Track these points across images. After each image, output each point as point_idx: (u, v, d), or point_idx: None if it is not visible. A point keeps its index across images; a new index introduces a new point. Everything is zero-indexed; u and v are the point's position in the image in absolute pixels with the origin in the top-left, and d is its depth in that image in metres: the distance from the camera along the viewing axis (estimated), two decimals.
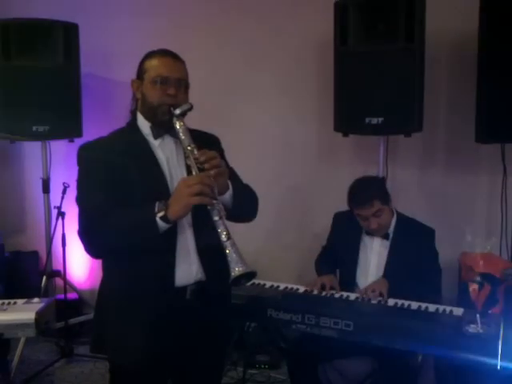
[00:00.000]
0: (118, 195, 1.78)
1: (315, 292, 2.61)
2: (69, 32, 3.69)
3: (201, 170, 1.74)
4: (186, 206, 1.70)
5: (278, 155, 3.84)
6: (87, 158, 1.87)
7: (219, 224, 1.68)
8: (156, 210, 1.69)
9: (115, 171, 1.80)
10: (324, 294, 2.59)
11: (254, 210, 2.03)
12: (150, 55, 1.92)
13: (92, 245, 1.81)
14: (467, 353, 2.11)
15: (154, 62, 1.88)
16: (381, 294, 2.48)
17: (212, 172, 1.73)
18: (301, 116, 3.78)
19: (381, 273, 2.70)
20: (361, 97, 3.08)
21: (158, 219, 1.69)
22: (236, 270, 1.62)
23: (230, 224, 1.90)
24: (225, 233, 1.67)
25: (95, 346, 1.99)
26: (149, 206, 1.71)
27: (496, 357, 2.06)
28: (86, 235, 1.80)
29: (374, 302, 2.49)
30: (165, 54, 1.90)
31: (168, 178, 1.86)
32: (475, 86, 2.98)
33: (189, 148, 1.78)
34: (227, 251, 1.65)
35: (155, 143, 1.89)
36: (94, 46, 3.88)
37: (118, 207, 1.76)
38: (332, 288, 2.62)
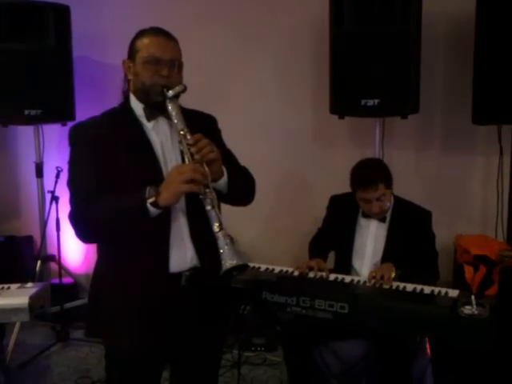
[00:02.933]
0: (111, 178, 1.75)
1: (311, 275, 2.60)
2: (60, 14, 3.63)
3: (193, 155, 1.70)
4: (176, 193, 1.67)
5: (274, 138, 3.82)
6: (79, 139, 1.82)
7: (211, 214, 1.65)
8: (146, 195, 1.66)
9: (107, 154, 1.76)
10: (319, 276, 2.59)
11: (250, 194, 2.00)
12: (141, 34, 1.85)
13: (82, 229, 1.77)
14: (462, 334, 2.12)
15: (145, 41, 1.82)
16: (388, 279, 2.46)
17: (205, 158, 1.68)
18: (296, 99, 3.75)
19: (377, 255, 2.70)
20: (357, 79, 3.05)
21: (148, 205, 1.66)
22: (227, 263, 1.59)
23: (226, 208, 1.89)
24: (217, 224, 1.63)
25: (90, 331, 1.98)
26: (139, 191, 1.68)
27: (491, 338, 2.07)
28: (76, 219, 1.76)
29: (369, 284, 2.49)
30: (157, 32, 1.84)
31: (162, 162, 1.82)
32: (472, 67, 2.96)
33: (181, 133, 1.73)
34: (218, 242, 1.62)
35: (149, 125, 1.85)
36: (86, 28, 3.82)
37: (109, 191, 1.72)
38: (320, 271, 2.61)
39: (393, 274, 2.49)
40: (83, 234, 1.79)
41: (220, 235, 1.62)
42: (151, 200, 1.65)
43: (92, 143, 1.79)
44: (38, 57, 3.58)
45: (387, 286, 2.44)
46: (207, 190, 1.66)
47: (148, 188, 1.67)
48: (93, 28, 3.93)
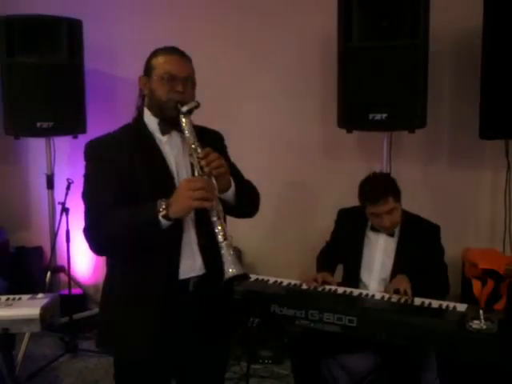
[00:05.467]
0: (126, 191, 1.79)
1: (319, 288, 2.61)
2: (73, 28, 3.69)
3: (203, 168, 1.76)
4: (187, 208, 1.73)
5: (282, 152, 3.84)
6: (95, 155, 1.88)
7: (217, 224, 1.71)
8: (158, 208, 1.71)
9: (123, 168, 1.81)
10: (327, 289, 2.60)
11: (255, 206, 2.06)
12: (157, 52, 1.93)
13: (96, 242, 1.82)
14: (470, 349, 2.12)
15: (161, 60, 1.89)
16: (405, 293, 2.47)
17: (213, 172, 1.75)
18: (304, 112, 3.78)
19: (385, 269, 2.70)
20: (364, 93, 3.08)
21: (160, 218, 1.71)
22: (229, 271, 1.65)
23: (234, 220, 1.93)
24: (222, 233, 1.69)
25: (100, 341, 2.00)
26: (151, 204, 1.73)
27: (499, 353, 2.07)
28: (91, 234, 1.82)
29: (377, 297, 2.50)
30: (172, 51, 1.92)
31: (175, 175, 1.87)
32: (479, 81, 2.98)
33: (193, 146, 1.80)
34: (222, 252, 1.67)
35: (163, 139, 1.91)
36: (98, 42, 3.88)
37: (124, 203, 1.77)
38: (326, 284, 2.63)
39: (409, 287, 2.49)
40: (97, 247, 1.84)
41: (224, 245, 1.68)
42: (163, 213, 1.71)
43: (107, 158, 1.84)
44: (50, 70, 3.64)
45: (395, 300, 2.45)
46: (214, 202, 1.72)
47: (159, 201, 1.72)
48: (105, 42, 3.98)
